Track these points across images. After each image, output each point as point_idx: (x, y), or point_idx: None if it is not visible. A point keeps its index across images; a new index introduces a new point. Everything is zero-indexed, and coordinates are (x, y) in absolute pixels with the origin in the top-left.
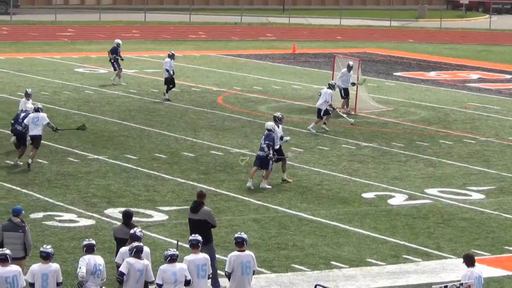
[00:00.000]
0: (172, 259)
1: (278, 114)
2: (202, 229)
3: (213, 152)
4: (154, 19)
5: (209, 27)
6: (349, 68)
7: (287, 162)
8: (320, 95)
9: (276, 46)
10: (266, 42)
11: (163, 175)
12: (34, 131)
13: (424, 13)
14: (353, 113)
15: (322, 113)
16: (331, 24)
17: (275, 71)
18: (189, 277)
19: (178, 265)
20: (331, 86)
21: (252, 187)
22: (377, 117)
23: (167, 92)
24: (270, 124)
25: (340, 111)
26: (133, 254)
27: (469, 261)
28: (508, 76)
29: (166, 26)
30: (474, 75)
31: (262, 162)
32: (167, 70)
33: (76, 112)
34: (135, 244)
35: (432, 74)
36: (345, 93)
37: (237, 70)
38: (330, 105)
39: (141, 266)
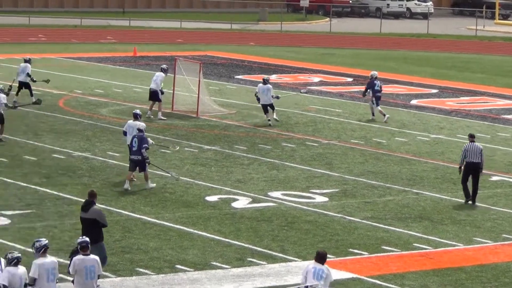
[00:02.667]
0: (19, 261)
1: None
2: (92, 228)
3: (55, 155)
4: None
5: (49, 30)
6: (164, 70)
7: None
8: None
9: (116, 49)
10: (107, 45)
11: (5, 179)
12: None
13: (265, 16)
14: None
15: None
16: (172, 27)
17: (116, 74)
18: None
19: (21, 268)
20: None
21: (130, 188)
22: (220, 120)
23: (17, 95)
24: (142, 124)
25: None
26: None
27: (318, 257)
28: (349, 79)
29: (5, 29)
30: (316, 78)
31: (138, 165)
32: (29, 75)
33: None
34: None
35: (274, 77)
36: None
37: (77, 73)
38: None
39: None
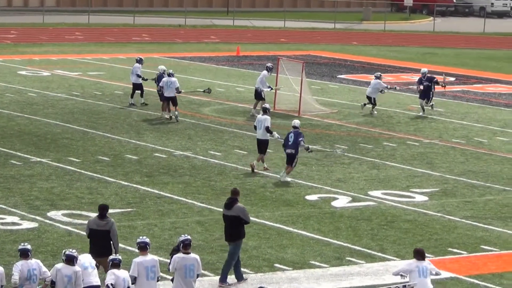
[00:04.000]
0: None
1: (267, 105)
2: (235, 225)
3: (156, 154)
4: (98, 21)
5: (153, 29)
6: (269, 69)
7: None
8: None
9: (220, 48)
10: (210, 45)
11: (106, 178)
12: None
13: (368, 15)
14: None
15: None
16: (275, 26)
17: (219, 73)
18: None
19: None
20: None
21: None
22: (321, 119)
23: (132, 97)
24: (297, 121)
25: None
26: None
27: (418, 254)
28: (452, 79)
29: (110, 28)
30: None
31: (290, 159)
32: (138, 76)
33: (19, 115)
34: (67, 253)
35: None
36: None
37: (181, 73)
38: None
39: (70, 272)
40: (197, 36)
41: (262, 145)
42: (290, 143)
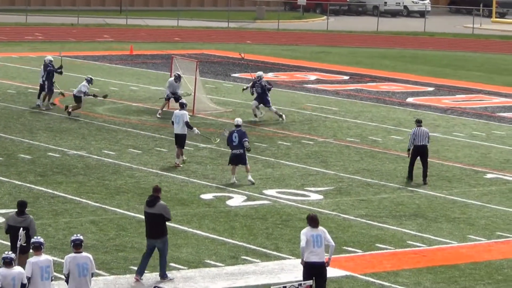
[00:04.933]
0: (6, 262)
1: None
2: (157, 222)
3: (50, 154)
4: None
5: (45, 28)
6: (177, 78)
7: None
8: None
9: (113, 47)
10: (103, 43)
11: (0, 178)
12: None
13: (262, 14)
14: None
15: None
16: (169, 25)
17: (113, 73)
18: (25, 281)
19: (16, 268)
20: None
21: (237, 181)
22: (216, 119)
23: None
24: (239, 120)
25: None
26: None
27: (312, 221)
28: (346, 77)
29: (2, 27)
30: (312, 76)
31: (239, 159)
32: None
33: None
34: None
35: (270, 75)
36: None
37: (74, 72)
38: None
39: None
40: (90, 35)
41: (181, 139)
42: (235, 143)
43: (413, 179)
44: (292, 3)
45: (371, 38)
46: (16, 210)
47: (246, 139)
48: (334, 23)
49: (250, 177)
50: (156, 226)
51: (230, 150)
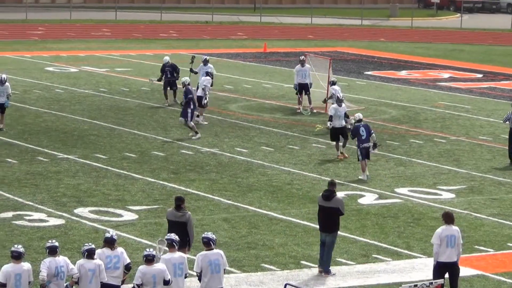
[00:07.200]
0: (148, 259)
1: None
2: (332, 216)
3: (183, 151)
4: (125, 17)
5: (180, 26)
6: (301, 62)
7: None
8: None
9: (247, 45)
10: (237, 41)
11: (133, 175)
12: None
13: (395, 12)
14: (315, 110)
15: None
16: (302, 23)
17: (246, 70)
18: (168, 277)
19: (157, 266)
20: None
21: (369, 178)
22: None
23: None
24: (360, 114)
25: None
26: (85, 256)
27: (448, 217)
28: (479, 75)
29: (137, 25)
30: (445, 74)
31: (369, 153)
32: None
33: (46, 111)
34: (86, 247)
35: (403, 73)
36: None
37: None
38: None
39: (93, 266)
40: (224, 33)
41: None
42: (363, 137)
43: None
44: (426, 0)
45: (505, 36)
46: (174, 205)
47: (373, 131)
48: (467, 20)
49: (368, 173)
50: (330, 219)
51: (359, 145)
